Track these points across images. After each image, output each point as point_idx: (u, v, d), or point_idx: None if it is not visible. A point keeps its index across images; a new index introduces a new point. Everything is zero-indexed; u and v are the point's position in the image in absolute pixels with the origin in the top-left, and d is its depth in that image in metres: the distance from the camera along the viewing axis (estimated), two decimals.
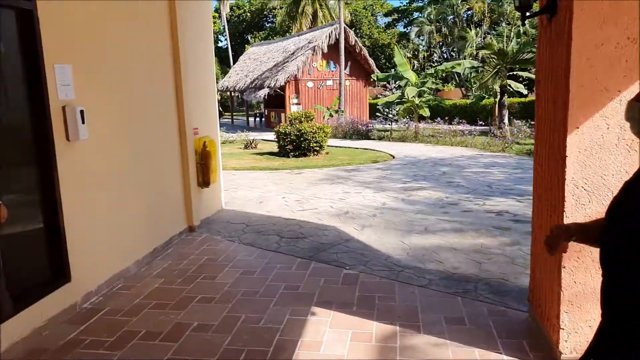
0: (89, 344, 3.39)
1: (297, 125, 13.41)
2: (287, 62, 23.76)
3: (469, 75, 25.65)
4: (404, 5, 42.95)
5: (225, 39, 41.69)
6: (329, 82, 24.63)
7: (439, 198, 7.80)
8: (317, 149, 13.49)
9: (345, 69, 23.31)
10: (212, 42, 7.05)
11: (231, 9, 43.26)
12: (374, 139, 18.00)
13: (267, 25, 45.75)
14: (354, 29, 36.35)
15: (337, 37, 22.84)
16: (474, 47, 28.95)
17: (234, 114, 33.53)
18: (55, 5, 3.63)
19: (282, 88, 22.99)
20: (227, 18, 40.98)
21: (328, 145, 14.52)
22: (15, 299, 3.39)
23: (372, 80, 24.33)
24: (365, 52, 24.84)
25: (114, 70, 4.41)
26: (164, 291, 4.27)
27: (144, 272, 4.71)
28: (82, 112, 3.79)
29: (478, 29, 31.54)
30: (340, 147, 15.89)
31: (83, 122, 3.80)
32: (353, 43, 23.94)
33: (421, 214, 6.76)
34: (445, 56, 35.11)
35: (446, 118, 20.15)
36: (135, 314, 3.84)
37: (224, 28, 40.85)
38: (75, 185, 3.87)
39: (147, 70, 5.08)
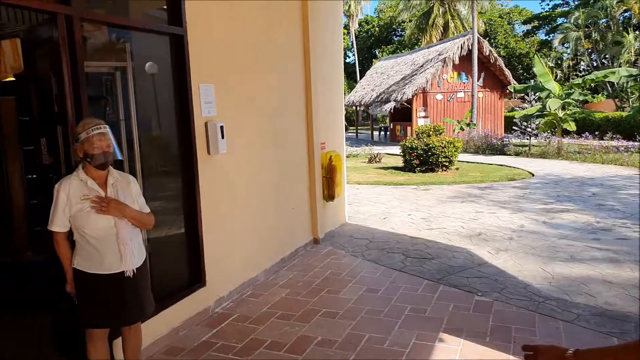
0: (220, 348, 3.55)
1: (425, 139, 13.04)
2: (416, 74, 23.42)
3: (624, 85, 22.79)
4: (546, 12, 39.80)
5: (353, 55, 42.58)
6: (460, 95, 23.70)
7: (587, 222, 6.93)
8: (446, 164, 12.95)
9: (478, 80, 22.25)
10: (341, 59, 7.15)
11: (359, 24, 44.10)
12: (509, 155, 16.78)
13: (396, 39, 45.74)
14: (488, 38, 34.63)
15: (470, 47, 21.92)
16: (632, 53, 25.70)
17: (359, 127, 33.93)
18: (201, 30, 3.93)
19: (409, 101, 22.68)
20: (355, 34, 41.87)
21: (458, 161, 13.85)
22: (157, 300, 3.69)
23: (508, 91, 22.86)
24: (500, 62, 23.48)
25: (250, 88, 4.65)
26: (290, 302, 4.34)
27: (271, 282, 4.85)
28: (222, 127, 4.04)
29: (637, 32, 27.95)
30: (471, 162, 15.07)
31: (222, 137, 4.05)
32: (487, 53, 22.78)
33: (566, 240, 6.04)
34: (595, 64, 31.68)
35: (596, 133, 18.03)
36: (262, 322, 3.95)
37: (352, 44, 41.79)
38: (213, 195, 4.12)
39: (281, 87, 5.29)
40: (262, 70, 4.91)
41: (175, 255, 4.00)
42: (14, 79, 3.67)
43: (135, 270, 2.64)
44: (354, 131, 32.61)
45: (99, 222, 2.49)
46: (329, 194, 6.33)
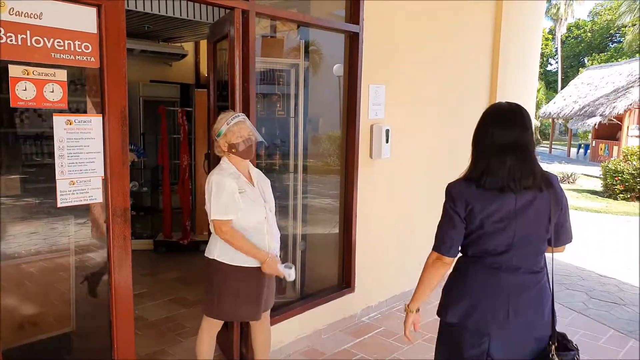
0: None
1: (635, 162, 10.97)
2: (632, 87, 19.97)
3: None
4: None
5: (556, 62, 38.35)
6: None
7: None
8: None
9: None
10: (536, 65, 6.33)
11: (568, 29, 39.49)
12: None
13: (612, 45, 39.79)
14: None
15: None
16: None
17: (554, 142, 30.44)
18: (377, 29, 3.78)
19: (620, 117, 19.44)
20: (561, 39, 37.67)
21: None
22: (305, 298, 3.69)
23: None
24: None
25: (424, 92, 4.36)
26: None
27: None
28: (387, 131, 3.84)
29: None
30: None
31: (387, 141, 3.85)
32: None
33: None
34: None
35: None
36: (406, 341, 3.65)
37: (555, 50, 37.66)
38: (371, 201, 3.96)
39: (459, 93, 4.86)
40: (441, 74, 4.57)
41: (328, 256, 3.96)
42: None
43: None
44: (548, 145, 29.42)
45: (253, 216, 2.50)
46: None
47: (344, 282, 3.88)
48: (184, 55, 7.41)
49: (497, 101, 4.99)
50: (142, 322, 3.75)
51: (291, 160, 3.74)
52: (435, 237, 1.98)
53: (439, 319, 2.06)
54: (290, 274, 2.54)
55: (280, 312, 3.39)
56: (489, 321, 1.86)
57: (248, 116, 2.85)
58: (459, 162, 4.79)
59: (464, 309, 1.92)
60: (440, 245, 1.94)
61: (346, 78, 3.73)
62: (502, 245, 1.86)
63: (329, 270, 3.95)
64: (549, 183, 1.87)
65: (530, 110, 6.29)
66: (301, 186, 3.70)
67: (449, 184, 1.97)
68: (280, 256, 2.66)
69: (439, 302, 2.05)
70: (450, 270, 2.03)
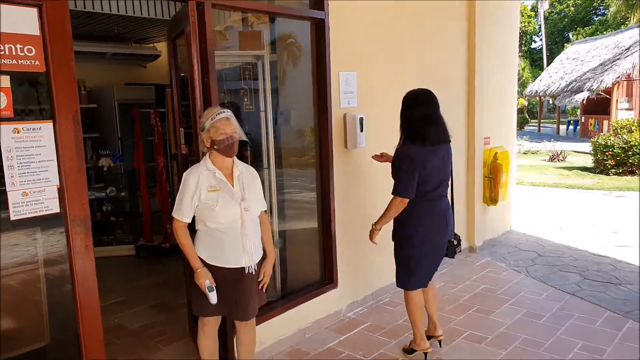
0: (346, 358, 3.28)
1: (625, 136, 10.93)
2: (619, 59, 19.90)
3: None
4: None
5: (540, 39, 38.18)
6: None
7: None
8: None
9: None
10: (516, 42, 6.24)
11: (551, 4, 39.27)
12: None
13: (596, 19, 39.65)
14: None
15: None
16: None
17: (542, 121, 30.42)
18: (343, 15, 3.65)
19: (608, 91, 19.39)
20: (544, 16, 37.49)
21: None
22: (286, 296, 3.59)
23: None
24: None
25: (399, 78, 4.24)
26: None
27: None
28: (361, 119, 3.73)
29: None
30: None
31: (362, 130, 3.75)
32: None
33: None
34: None
35: None
36: (395, 335, 3.57)
37: (539, 27, 37.49)
38: (349, 192, 3.86)
39: (434, 74, 4.75)
40: (415, 52, 4.45)
41: (307, 252, 3.86)
42: None
43: (256, 267, 2.53)
44: (536, 124, 29.41)
45: (225, 215, 2.42)
46: (491, 197, 5.57)
47: (327, 277, 3.79)
48: (157, 56, 7.24)
49: (475, 84, 4.93)
50: (122, 331, 3.65)
51: (263, 155, 3.62)
52: (400, 186, 2.89)
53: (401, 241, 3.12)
54: (210, 296, 2.43)
55: (260, 313, 3.28)
56: (440, 233, 3.06)
57: None
58: None
59: (423, 231, 2.99)
60: (406, 192, 2.89)
61: (314, 66, 3.61)
62: (435, 184, 2.94)
63: (310, 266, 3.85)
64: (449, 139, 3.00)
65: (513, 90, 6.20)
66: (274, 181, 3.57)
67: (404, 149, 2.92)
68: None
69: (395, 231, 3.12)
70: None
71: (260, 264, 2.60)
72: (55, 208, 2.22)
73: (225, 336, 2.92)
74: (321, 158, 3.69)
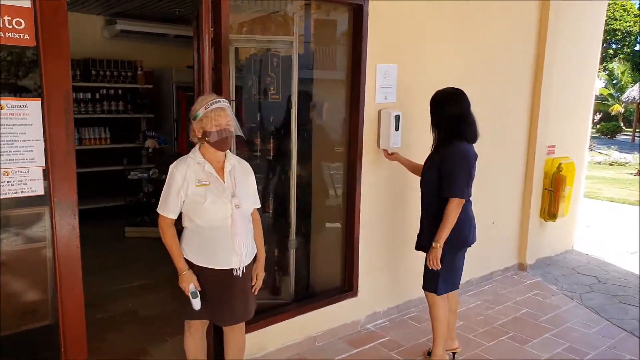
0: None
1: None
2: None
3: None
4: None
5: None
6: None
7: None
8: None
9: None
10: (598, 42, 5.53)
11: None
12: None
13: None
14: None
15: None
16: None
17: (638, 130, 27.69)
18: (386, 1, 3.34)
19: None
20: None
21: None
22: (298, 300, 3.38)
23: None
24: None
25: (447, 72, 3.84)
26: (457, 339, 3.49)
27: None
28: (397, 117, 3.41)
29: None
30: None
31: (397, 129, 3.42)
32: None
33: None
34: None
35: None
36: (411, 354, 3.26)
37: None
38: (379, 195, 3.55)
39: (493, 72, 4.28)
40: (473, 46, 4.03)
41: (327, 257, 3.62)
42: None
43: (244, 269, 2.34)
44: (631, 134, 26.86)
45: (215, 211, 2.24)
46: (550, 211, 5.00)
47: (346, 284, 3.53)
48: None
49: (541, 86, 4.45)
50: (133, 316, 3.62)
51: (291, 148, 3.39)
52: (457, 187, 2.72)
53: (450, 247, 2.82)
54: (193, 303, 2.25)
55: (267, 315, 3.11)
56: (472, 233, 2.94)
57: None
58: (490, 144, 4.28)
59: (463, 233, 2.86)
60: (463, 193, 2.74)
61: (350, 57, 3.33)
62: (472, 184, 2.85)
63: (328, 271, 3.62)
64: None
65: (589, 95, 5.54)
66: (295, 178, 3.34)
67: (456, 147, 2.77)
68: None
69: (444, 238, 2.77)
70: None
71: (250, 265, 2.40)
72: (39, 190, 2.14)
73: (221, 336, 2.76)
74: (349, 156, 3.42)
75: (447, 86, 2.93)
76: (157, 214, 2.31)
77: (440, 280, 2.87)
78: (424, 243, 2.96)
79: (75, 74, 6.07)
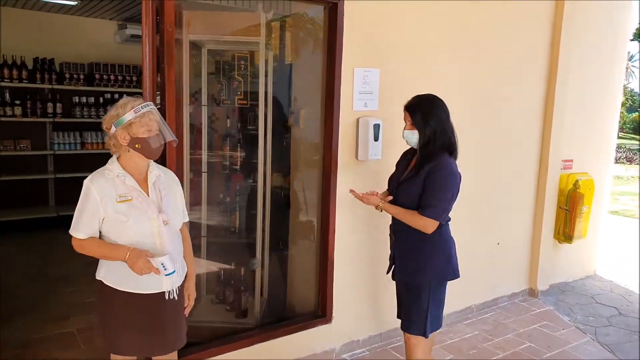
0: None
1: None
2: None
3: None
4: None
5: None
6: None
7: None
8: None
9: None
10: (624, 46, 5.03)
11: None
12: None
13: None
14: None
15: None
16: None
17: None
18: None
19: None
20: None
21: None
22: (260, 326, 3.09)
23: None
24: None
25: (442, 77, 3.50)
26: None
27: (435, 336, 3.65)
28: (376, 126, 3.09)
29: None
30: None
31: (376, 139, 3.10)
32: None
33: None
34: None
35: None
36: None
37: None
38: (356, 211, 3.22)
39: (494, 78, 3.90)
40: (470, 51, 3.67)
41: (298, 278, 3.32)
42: None
43: (177, 290, 2.08)
44: None
45: (139, 230, 1.98)
46: (565, 232, 4.53)
47: (320, 310, 3.21)
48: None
49: (555, 95, 4.04)
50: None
51: (260, 165, 3.12)
52: (439, 208, 2.34)
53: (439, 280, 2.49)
54: (159, 262, 1.89)
55: (227, 340, 2.84)
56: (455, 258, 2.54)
57: (166, 106, 2.34)
58: (492, 157, 3.89)
59: (452, 261, 2.50)
60: (442, 216, 2.37)
61: (324, 61, 3.05)
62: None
63: (299, 294, 3.32)
64: None
65: (614, 106, 5.03)
66: (264, 190, 3.07)
67: (447, 163, 2.36)
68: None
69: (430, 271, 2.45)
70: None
71: (182, 286, 2.14)
72: None
73: None
74: (324, 169, 3.12)
75: (441, 93, 2.52)
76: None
77: (428, 319, 2.45)
78: (398, 270, 2.57)
79: (79, 78, 6.09)
